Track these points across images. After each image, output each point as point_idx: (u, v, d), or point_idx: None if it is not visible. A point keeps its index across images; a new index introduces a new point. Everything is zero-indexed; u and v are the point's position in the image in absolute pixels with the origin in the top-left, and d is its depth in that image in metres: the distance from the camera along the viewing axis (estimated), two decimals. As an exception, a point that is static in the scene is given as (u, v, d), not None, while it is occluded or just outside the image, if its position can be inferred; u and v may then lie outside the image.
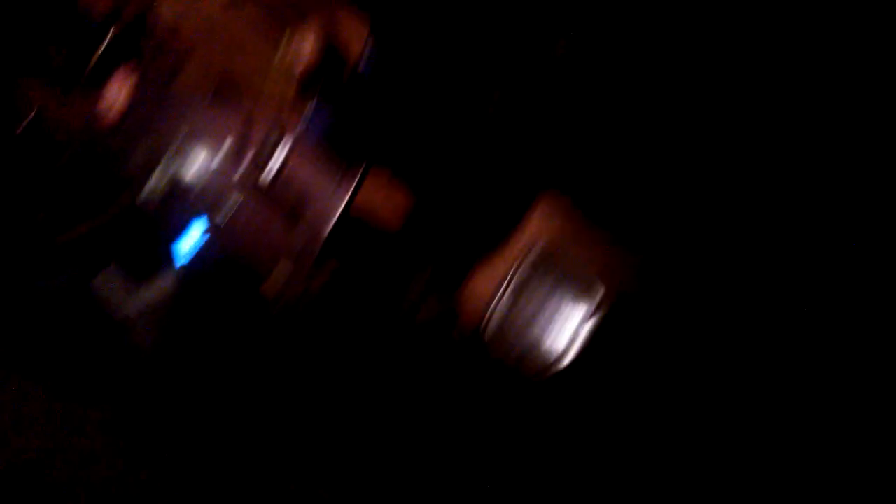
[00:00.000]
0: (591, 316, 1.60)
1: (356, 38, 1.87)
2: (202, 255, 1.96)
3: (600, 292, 1.59)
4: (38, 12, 1.99)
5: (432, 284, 2.16)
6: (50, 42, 2.02)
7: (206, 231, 1.98)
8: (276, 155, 1.94)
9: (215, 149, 2.01)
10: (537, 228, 2.03)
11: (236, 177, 1.95)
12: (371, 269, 2.28)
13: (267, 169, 1.91)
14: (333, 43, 1.70)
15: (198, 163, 2.10)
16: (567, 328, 1.60)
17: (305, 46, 1.70)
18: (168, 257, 1.99)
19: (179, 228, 2.00)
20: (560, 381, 1.64)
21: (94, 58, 2.10)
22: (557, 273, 1.67)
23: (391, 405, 1.84)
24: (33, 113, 2.10)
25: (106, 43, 2.10)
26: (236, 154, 1.97)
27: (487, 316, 1.70)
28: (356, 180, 1.84)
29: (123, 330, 1.83)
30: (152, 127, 2.11)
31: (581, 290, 1.62)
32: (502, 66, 1.82)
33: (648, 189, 2.02)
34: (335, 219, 1.84)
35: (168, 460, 1.90)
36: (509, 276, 1.72)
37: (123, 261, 1.87)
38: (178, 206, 2.06)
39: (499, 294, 1.71)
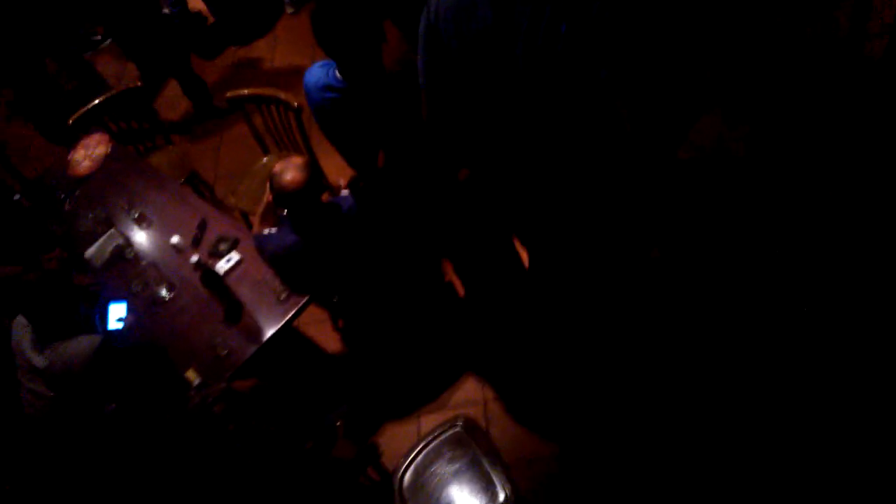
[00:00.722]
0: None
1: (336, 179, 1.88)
2: (123, 330, 1.90)
3: (504, 492, 1.61)
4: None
5: (351, 422, 2.10)
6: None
7: (133, 309, 1.91)
8: (227, 258, 1.89)
9: (171, 233, 1.97)
10: (464, 400, 2.10)
11: (182, 266, 1.90)
12: (291, 391, 2.20)
13: (214, 269, 1.85)
14: (315, 176, 1.73)
15: (149, 242, 2.05)
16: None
17: (292, 168, 1.71)
18: (90, 323, 1.92)
19: (110, 299, 1.93)
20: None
21: (86, 108, 2.10)
22: (473, 455, 1.71)
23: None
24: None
25: (99, 100, 2.11)
26: (189, 245, 1.92)
27: (403, 468, 1.73)
28: (296, 309, 1.79)
29: (24, 378, 1.74)
30: (117, 192, 2.08)
31: (489, 481, 1.66)
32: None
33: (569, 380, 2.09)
34: (266, 338, 1.77)
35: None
36: (431, 437, 1.75)
37: (46, 312, 1.80)
38: (115, 276, 2.00)
39: (417, 451, 1.74)
